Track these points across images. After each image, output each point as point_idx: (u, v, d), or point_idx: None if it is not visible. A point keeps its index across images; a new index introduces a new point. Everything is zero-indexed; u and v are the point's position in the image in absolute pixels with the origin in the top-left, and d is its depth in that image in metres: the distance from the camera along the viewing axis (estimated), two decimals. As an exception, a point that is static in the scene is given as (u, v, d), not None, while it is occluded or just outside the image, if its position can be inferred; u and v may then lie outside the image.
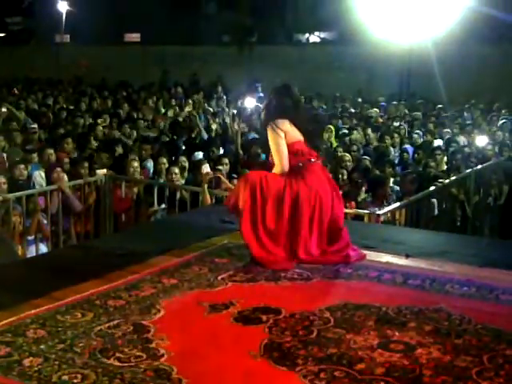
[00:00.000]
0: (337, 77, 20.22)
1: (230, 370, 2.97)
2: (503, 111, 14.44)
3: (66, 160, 7.98)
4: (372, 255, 4.59)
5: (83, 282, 3.92)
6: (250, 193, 4.38)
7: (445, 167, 8.95)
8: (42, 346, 3.13)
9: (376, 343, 3.21)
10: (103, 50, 24.50)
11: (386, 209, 6.22)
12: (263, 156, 8.11)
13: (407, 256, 4.57)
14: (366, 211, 6.04)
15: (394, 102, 16.31)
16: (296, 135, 4.51)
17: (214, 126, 12.08)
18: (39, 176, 7.35)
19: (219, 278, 4.13)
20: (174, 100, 16.22)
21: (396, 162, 9.32)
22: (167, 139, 10.58)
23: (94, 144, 9.63)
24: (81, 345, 3.15)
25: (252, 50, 22.99)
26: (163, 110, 14.50)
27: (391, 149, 10.38)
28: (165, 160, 8.04)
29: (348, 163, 8.26)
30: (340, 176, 7.57)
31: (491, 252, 4.75)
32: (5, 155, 8.19)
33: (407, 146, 10.51)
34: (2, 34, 30.93)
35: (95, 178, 7.23)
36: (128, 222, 7.25)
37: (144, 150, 8.83)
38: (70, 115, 12.74)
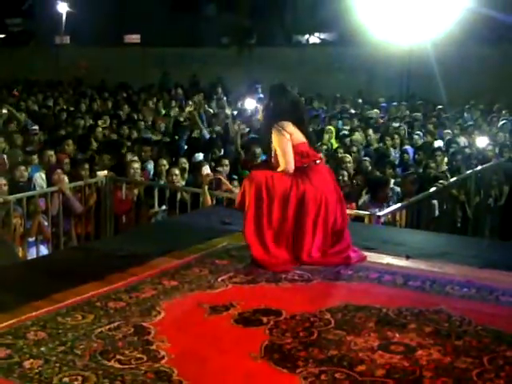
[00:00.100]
0: (337, 78, 20.22)
1: (230, 372, 2.97)
2: (503, 112, 14.43)
3: (67, 161, 7.98)
4: (372, 256, 4.59)
5: (84, 284, 3.92)
6: (254, 193, 4.39)
7: (445, 168, 8.94)
8: (42, 348, 3.13)
9: (376, 345, 3.21)
10: (103, 51, 24.50)
11: (387, 210, 6.23)
12: (262, 156, 8.11)
13: (407, 257, 4.57)
14: (366, 212, 6.04)
15: (395, 103, 16.31)
16: (300, 137, 4.53)
17: (214, 127, 12.08)
18: (40, 178, 7.35)
19: (219, 279, 4.13)
20: (174, 101, 16.22)
21: (396, 163, 9.31)
22: (168, 140, 10.58)
23: (94, 145, 9.62)
24: (81, 347, 3.15)
25: (251, 51, 22.99)
26: (163, 112, 14.50)
27: (391, 150, 10.37)
28: (165, 161, 8.04)
29: (348, 164, 8.27)
30: (340, 177, 7.56)
31: (491, 253, 4.75)
32: (5, 157, 8.19)
33: (407, 147, 10.50)
34: (1, 36, 30.93)
35: (96, 180, 7.23)
36: (128, 224, 7.25)
37: (144, 152, 8.83)
38: (69, 117, 12.74)
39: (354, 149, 9.63)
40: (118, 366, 2.98)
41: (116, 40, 26.76)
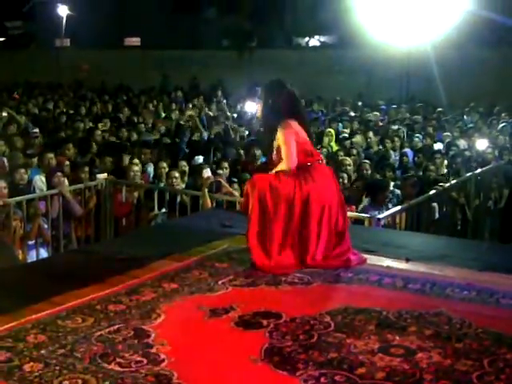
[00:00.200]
0: (336, 80, 20.26)
1: (230, 375, 2.97)
2: (503, 114, 14.44)
3: (67, 164, 7.98)
4: (372, 259, 4.59)
5: (84, 287, 3.92)
6: (258, 197, 4.37)
7: (445, 171, 8.95)
8: (42, 351, 3.13)
9: (376, 347, 3.21)
10: (103, 54, 24.55)
11: (387, 213, 6.22)
12: (262, 158, 8.11)
13: (407, 260, 4.57)
14: (366, 215, 6.04)
15: (394, 106, 16.33)
16: (304, 135, 4.53)
17: (214, 130, 12.09)
18: (40, 180, 7.35)
19: (219, 282, 4.12)
20: (174, 104, 16.24)
21: (396, 165, 9.32)
22: (168, 141, 10.58)
23: (95, 148, 9.62)
24: (81, 350, 3.15)
25: (252, 53, 23.02)
26: (163, 114, 14.51)
27: (391, 152, 10.38)
28: (165, 164, 8.04)
29: (348, 167, 8.27)
30: (341, 180, 7.56)
31: (491, 256, 4.74)
32: (5, 159, 8.19)
33: (407, 150, 10.51)
34: (2, 39, 30.98)
35: (96, 183, 7.23)
36: (128, 227, 7.25)
37: (143, 154, 8.83)
38: (69, 119, 12.75)
39: (354, 151, 9.63)
40: (118, 369, 2.98)
41: (116, 43, 26.81)
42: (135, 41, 28.26)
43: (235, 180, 7.40)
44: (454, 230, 7.66)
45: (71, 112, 14.33)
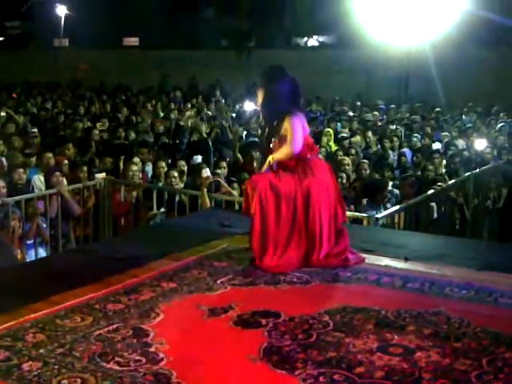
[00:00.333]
0: (336, 80, 20.27)
1: (229, 374, 2.97)
2: (501, 114, 14.45)
3: (65, 164, 7.98)
4: (371, 258, 4.59)
5: (82, 286, 3.92)
6: (259, 199, 4.34)
7: (443, 170, 8.95)
8: (41, 351, 3.13)
9: (375, 347, 3.21)
10: (102, 53, 24.55)
11: (385, 212, 6.23)
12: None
13: (406, 259, 4.57)
14: (364, 215, 6.04)
15: (392, 106, 16.33)
16: (307, 129, 4.53)
17: (212, 130, 12.08)
18: (38, 180, 7.35)
19: (218, 281, 4.13)
20: (172, 104, 16.23)
21: (394, 165, 9.32)
22: (166, 141, 10.57)
23: (94, 148, 9.62)
24: (80, 349, 3.15)
25: (250, 53, 23.02)
26: (162, 114, 14.51)
27: (390, 152, 10.38)
28: (163, 164, 8.04)
29: (347, 167, 8.28)
30: (339, 180, 7.57)
31: (490, 255, 4.75)
32: (4, 159, 8.18)
33: (405, 150, 10.51)
34: (0, 38, 30.96)
35: (94, 182, 7.23)
36: (127, 226, 7.24)
37: (141, 154, 8.82)
38: (68, 119, 12.74)
39: (353, 151, 9.64)
40: (116, 368, 2.98)
41: (115, 43, 26.81)
42: (134, 41, 28.27)
43: (235, 180, 7.40)
44: (453, 230, 7.66)
45: (70, 112, 14.32)
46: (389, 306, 3.72)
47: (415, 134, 11.67)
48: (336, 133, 11.84)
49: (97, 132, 10.83)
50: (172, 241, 4.99)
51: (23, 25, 31.23)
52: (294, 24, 25.89)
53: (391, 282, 4.17)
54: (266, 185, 4.37)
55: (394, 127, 12.57)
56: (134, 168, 7.64)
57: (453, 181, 7.77)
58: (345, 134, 11.75)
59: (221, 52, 24.05)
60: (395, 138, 11.03)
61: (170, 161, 8.90)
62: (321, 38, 26.41)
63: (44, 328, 3.37)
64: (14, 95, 17.74)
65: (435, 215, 7.29)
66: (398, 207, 6.51)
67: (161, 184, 7.59)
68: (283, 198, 4.36)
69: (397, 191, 7.39)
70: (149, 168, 8.49)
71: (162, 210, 7.08)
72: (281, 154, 4.42)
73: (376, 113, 14.94)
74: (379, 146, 10.89)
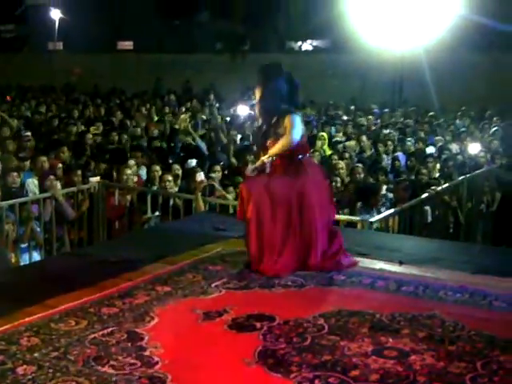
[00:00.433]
0: (330, 84, 20.29)
1: (224, 378, 2.97)
2: (494, 119, 14.50)
3: (60, 167, 7.96)
4: (365, 262, 4.60)
5: (77, 290, 3.92)
6: (255, 203, 4.33)
7: (437, 174, 8.98)
8: (35, 354, 3.12)
9: (370, 350, 3.22)
10: (96, 57, 24.51)
11: (380, 216, 6.24)
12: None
13: (400, 263, 4.58)
14: (358, 218, 6.05)
15: (386, 110, 16.36)
16: (304, 128, 4.56)
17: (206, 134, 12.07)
18: (32, 184, 7.33)
19: (213, 285, 4.13)
20: (167, 108, 16.22)
21: (388, 169, 9.34)
22: (158, 145, 10.56)
23: (89, 151, 9.61)
24: (75, 353, 3.14)
25: (245, 57, 23.04)
26: (156, 118, 14.49)
27: (384, 156, 10.40)
28: (158, 167, 8.02)
29: (341, 171, 8.29)
30: (334, 184, 7.58)
31: (484, 259, 4.77)
32: (-2, 163, 8.15)
33: (399, 154, 10.53)
34: (-6, 42, 30.89)
35: (88, 186, 7.22)
36: (121, 230, 7.23)
37: (135, 158, 8.80)
38: (61, 123, 12.72)
39: (347, 155, 9.65)
40: (111, 371, 2.97)
41: (109, 46, 26.77)
42: (128, 44, 28.22)
43: (230, 183, 7.39)
44: (447, 233, 7.68)
45: (64, 115, 14.28)
46: (383, 309, 3.73)
47: (409, 138, 11.70)
48: (330, 137, 11.86)
49: (90, 136, 10.81)
50: (166, 244, 4.99)
51: (17, 28, 31.16)
52: (288, 28, 25.93)
53: (386, 286, 4.18)
54: (262, 189, 4.37)
55: (387, 131, 12.58)
56: (129, 172, 7.63)
57: (447, 185, 7.79)
58: (339, 138, 11.76)
59: (215, 56, 24.05)
60: (389, 142, 11.05)
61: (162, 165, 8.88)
62: (315, 42, 26.44)
63: (38, 332, 3.36)
64: (8, 98, 17.68)
65: (429, 219, 7.31)
66: (392, 211, 6.52)
67: (155, 188, 7.58)
68: (278, 202, 4.36)
69: (391, 195, 7.41)
70: (143, 172, 8.48)
71: (157, 213, 7.08)
72: (279, 145, 4.39)
73: (370, 117, 14.96)
74: (373, 150, 10.91)
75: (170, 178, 7.43)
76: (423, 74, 16.77)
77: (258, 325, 3.50)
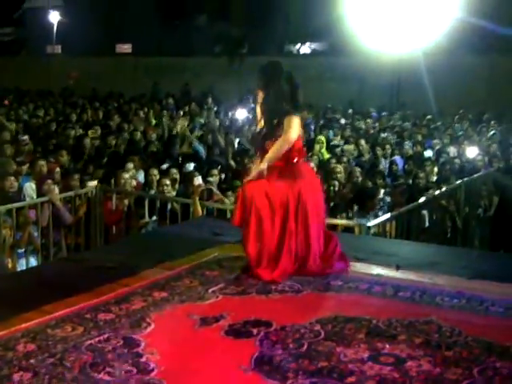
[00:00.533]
0: (328, 87, 20.31)
1: (220, 384, 2.97)
2: (492, 122, 14.51)
3: (57, 171, 7.95)
4: (362, 267, 4.60)
5: (73, 296, 3.91)
6: (255, 209, 4.33)
7: (435, 178, 8.97)
8: (31, 360, 3.12)
9: (366, 356, 3.21)
10: (94, 60, 24.52)
11: (377, 220, 6.22)
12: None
13: (398, 268, 4.58)
14: (356, 223, 6.05)
15: (384, 113, 16.37)
16: (302, 132, 4.56)
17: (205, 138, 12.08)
18: (30, 188, 7.32)
19: (210, 290, 4.12)
20: (165, 111, 16.22)
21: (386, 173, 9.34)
22: (155, 149, 10.56)
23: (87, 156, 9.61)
24: (71, 359, 3.14)
25: (243, 60, 23.05)
26: (154, 122, 14.49)
27: (382, 160, 10.41)
28: (156, 171, 8.01)
29: (339, 175, 8.29)
30: (332, 187, 7.58)
31: (481, 264, 4.76)
32: (-4, 167, 8.14)
33: (396, 157, 10.54)
34: (-8, 45, 30.91)
35: (86, 190, 7.21)
36: (119, 234, 7.22)
37: (132, 161, 8.79)
38: (59, 127, 12.72)
39: (345, 159, 9.66)
40: (107, 378, 2.97)
41: (107, 49, 26.78)
42: (126, 48, 28.25)
43: (228, 187, 7.39)
44: (444, 238, 7.67)
45: (62, 119, 14.28)
46: (380, 315, 3.72)
47: (406, 142, 11.70)
48: (328, 140, 11.86)
49: (88, 140, 10.80)
50: (164, 249, 4.98)
51: (15, 31, 31.20)
52: (286, 31, 25.96)
53: (382, 291, 4.17)
54: (262, 194, 4.37)
55: (385, 135, 12.59)
56: (126, 176, 7.62)
57: (444, 189, 7.78)
58: (337, 142, 11.76)
59: (214, 59, 24.07)
60: (387, 146, 11.06)
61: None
62: (313, 45, 26.47)
63: (35, 338, 3.35)
64: (6, 102, 17.67)
65: (427, 223, 7.31)
66: (389, 215, 6.51)
67: (153, 192, 7.57)
68: (277, 206, 4.36)
69: (388, 199, 7.40)
70: (141, 175, 8.47)
71: (154, 218, 7.07)
72: (276, 147, 4.38)
73: (368, 120, 14.97)
74: (371, 154, 10.91)
75: (168, 182, 7.42)
76: (421, 78, 16.79)
77: (255, 331, 3.49)
